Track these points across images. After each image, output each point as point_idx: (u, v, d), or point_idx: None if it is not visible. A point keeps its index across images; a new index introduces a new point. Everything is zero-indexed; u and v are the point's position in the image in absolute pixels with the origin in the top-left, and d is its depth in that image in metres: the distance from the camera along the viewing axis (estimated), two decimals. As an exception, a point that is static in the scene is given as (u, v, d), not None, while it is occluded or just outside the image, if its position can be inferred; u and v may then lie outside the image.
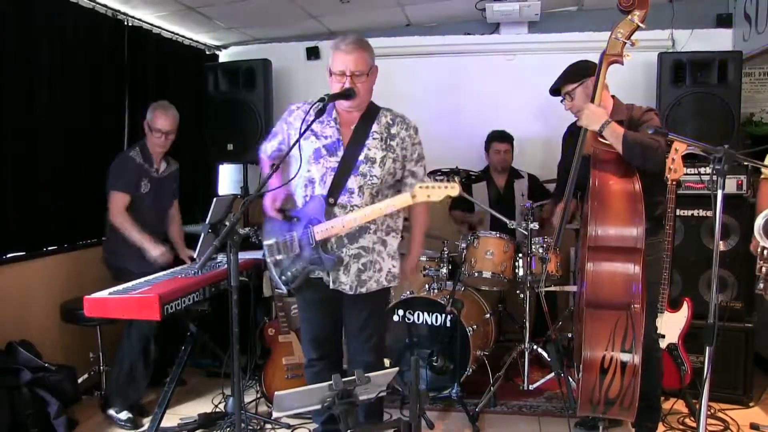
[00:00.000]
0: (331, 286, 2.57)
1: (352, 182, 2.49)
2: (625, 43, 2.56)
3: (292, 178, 2.57)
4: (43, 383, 3.05)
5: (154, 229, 3.59)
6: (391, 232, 2.62)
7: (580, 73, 2.82)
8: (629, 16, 2.54)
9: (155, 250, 3.41)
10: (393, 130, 2.56)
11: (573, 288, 3.24)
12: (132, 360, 3.35)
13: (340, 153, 2.52)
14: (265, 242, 2.63)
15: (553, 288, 3.84)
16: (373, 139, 2.53)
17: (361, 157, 2.50)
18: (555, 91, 2.92)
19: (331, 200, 2.49)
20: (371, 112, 2.58)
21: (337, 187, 2.49)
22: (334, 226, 2.45)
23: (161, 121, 3.59)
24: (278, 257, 2.61)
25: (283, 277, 2.63)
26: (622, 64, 2.60)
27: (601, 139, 2.64)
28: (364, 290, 2.56)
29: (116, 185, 3.46)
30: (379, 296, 2.64)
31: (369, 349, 2.66)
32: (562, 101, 2.90)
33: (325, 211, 2.48)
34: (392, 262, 2.63)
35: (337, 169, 2.50)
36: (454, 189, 2.21)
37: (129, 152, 3.58)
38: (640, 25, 2.53)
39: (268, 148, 2.72)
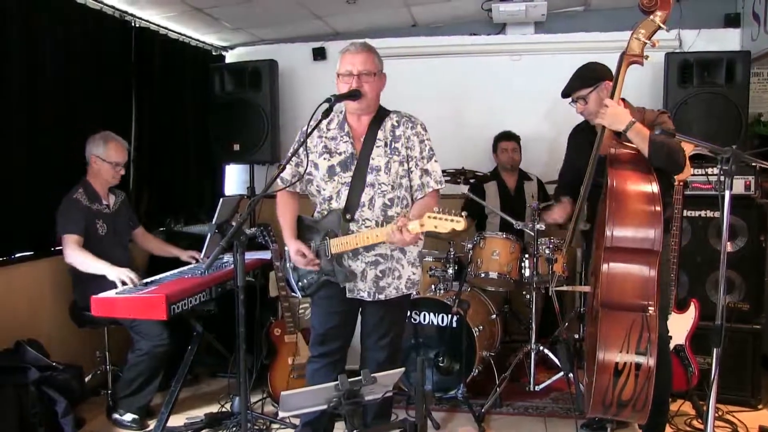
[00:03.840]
0: (348, 295, 2.59)
1: (365, 196, 2.52)
2: (646, 43, 2.54)
3: (295, 181, 2.61)
4: (51, 382, 3.05)
5: (127, 265, 3.29)
6: None
7: (594, 77, 2.80)
8: (651, 17, 2.52)
9: (116, 272, 3.14)
10: (398, 132, 2.57)
11: (586, 288, 3.23)
12: (142, 376, 3.32)
13: (353, 167, 2.54)
14: (287, 248, 2.68)
15: (564, 287, 3.83)
16: (377, 147, 2.55)
17: (368, 169, 2.52)
18: (567, 93, 2.90)
19: (348, 216, 2.52)
20: (379, 119, 2.59)
21: (352, 202, 2.52)
22: (348, 242, 2.48)
23: (117, 153, 3.43)
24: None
25: (300, 283, 2.69)
26: (642, 65, 2.58)
27: (620, 140, 2.63)
28: (382, 297, 2.58)
29: (66, 229, 3.26)
30: (398, 299, 2.64)
31: (382, 346, 2.67)
32: (570, 103, 2.88)
33: (341, 225, 2.51)
34: (412, 269, 2.63)
35: (351, 184, 2.52)
36: (459, 223, 2.24)
37: (73, 195, 3.34)
38: (662, 26, 2.51)
39: (286, 173, 2.62)
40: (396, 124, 2.58)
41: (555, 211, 3.10)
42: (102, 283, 3.11)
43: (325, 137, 2.60)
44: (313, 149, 2.60)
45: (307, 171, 2.60)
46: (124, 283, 3.10)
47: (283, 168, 2.46)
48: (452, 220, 2.24)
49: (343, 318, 2.66)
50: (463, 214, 2.27)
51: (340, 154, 2.57)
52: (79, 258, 3.25)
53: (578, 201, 2.74)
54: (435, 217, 2.26)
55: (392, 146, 2.55)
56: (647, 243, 2.47)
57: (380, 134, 2.56)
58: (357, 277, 2.55)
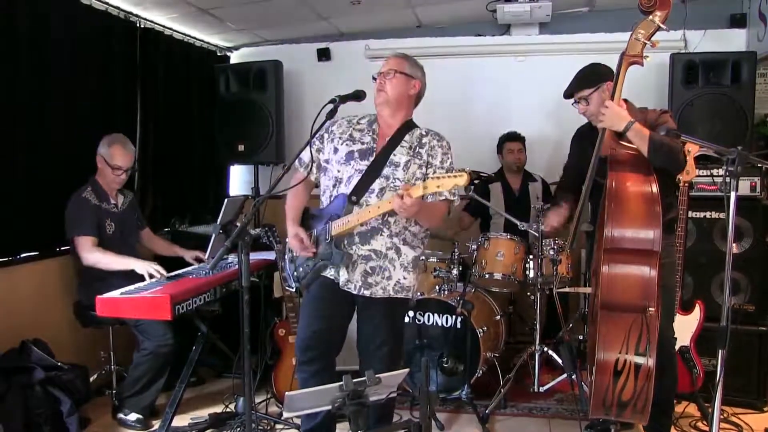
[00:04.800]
0: (341, 284, 2.57)
1: (376, 184, 2.54)
2: (646, 43, 2.53)
3: (305, 178, 2.65)
4: (56, 382, 3.07)
5: None
6: (407, 243, 2.61)
7: (596, 77, 2.79)
8: (650, 17, 2.51)
9: (144, 265, 3.27)
10: (424, 140, 2.62)
11: (588, 290, 3.23)
12: (147, 376, 3.33)
13: (371, 158, 2.57)
14: (287, 239, 2.71)
15: (567, 289, 3.82)
16: (401, 147, 2.59)
17: (387, 162, 2.56)
18: (569, 94, 2.90)
19: (354, 198, 2.53)
20: (407, 127, 2.65)
21: (361, 187, 2.54)
22: (350, 221, 2.49)
23: (121, 158, 3.43)
24: (295, 254, 2.70)
25: (295, 273, 2.70)
26: (642, 65, 2.57)
27: (621, 141, 2.62)
28: (368, 293, 2.56)
29: (79, 230, 3.31)
30: (393, 303, 2.62)
31: (380, 357, 2.61)
32: (573, 104, 2.88)
33: (345, 208, 2.53)
34: (404, 273, 2.60)
35: (365, 172, 2.55)
36: (462, 177, 2.20)
37: (82, 194, 3.37)
38: (661, 26, 2.49)
39: (305, 155, 2.66)
40: (424, 134, 2.65)
41: (551, 218, 3.13)
42: (107, 282, 3.13)
43: (354, 128, 2.67)
44: (339, 135, 2.66)
45: (324, 159, 2.67)
46: (152, 276, 3.18)
47: (288, 168, 2.50)
48: (454, 176, 2.22)
49: (331, 322, 2.61)
50: (466, 168, 2.24)
51: (362, 143, 2.62)
52: (102, 258, 3.30)
53: (579, 202, 2.74)
54: (437, 177, 2.26)
55: (416, 150, 2.60)
56: (647, 243, 2.47)
57: (407, 137, 2.62)
58: (352, 260, 2.54)
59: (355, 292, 2.58)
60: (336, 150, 2.64)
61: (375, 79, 2.65)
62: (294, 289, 2.76)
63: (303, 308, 2.69)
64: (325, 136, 2.68)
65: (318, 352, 2.60)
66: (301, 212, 2.71)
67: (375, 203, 2.47)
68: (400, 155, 2.57)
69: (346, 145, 2.63)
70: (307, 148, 2.57)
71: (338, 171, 2.61)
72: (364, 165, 2.57)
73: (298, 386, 2.73)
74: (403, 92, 2.63)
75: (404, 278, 2.61)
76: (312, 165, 2.67)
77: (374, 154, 2.59)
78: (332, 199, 2.61)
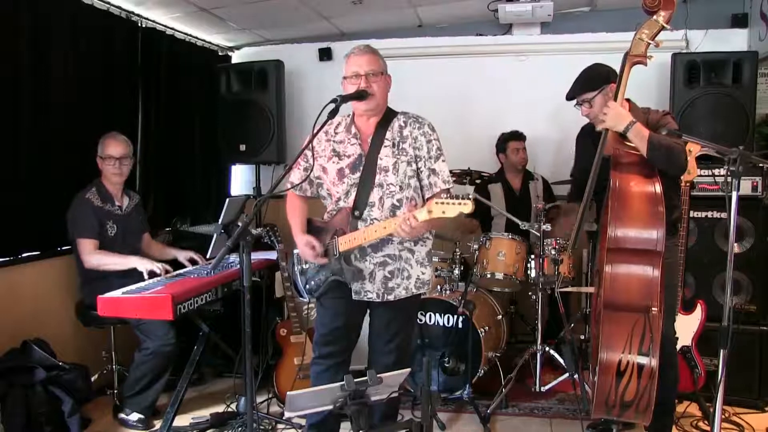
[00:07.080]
0: (355, 297, 2.57)
1: (374, 195, 2.52)
2: (649, 44, 2.53)
3: (301, 183, 2.63)
4: (57, 381, 3.07)
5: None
6: (419, 242, 2.61)
7: (599, 80, 2.78)
8: (654, 17, 2.51)
9: (145, 263, 3.30)
10: (405, 132, 2.57)
11: (590, 289, 3.22)
12: (148, 376, 3.32)
13: (362, 167, 2.54)
14: (295, 251, 2.70)
15: (569, 288, 3.82)
16: (385, 147, 2.55)
17: (377, 169, 2.53)
18: (571, 97, 2.89)
19: (357, 213, 2.52)
20: (386, 120, 2.60)
21: (360, 200, 2.52)
22: (356, 238, 2.48)
23: (112, 146, 3.44)
24: (305, 266, 2.69)
25: (308, 286, 2.69)
26: (646, 65, 2.56)
27: (624, 141, 2.62)
28: (391, 297, 2.57)
29: (81, 232, 3.33)
30: (407, 301, 2.63)
31: (390, 350, 2.64)
32: (575, 105, 2.87)
33: (349, 223, 2.52)
34: (421, 268, 2.61)
35: (359, 184, 2.53)
36: (467, 206, 2.20)
37: (85, 195, 3.39)
38: (665, 26, 2.49)
39: (294, 177, 2.66)
40: (403, 124, 2.59)
41: (566, 227, 3.11)
42: (109, 282, 3.13)
43: (333, 141, 2.61)
44: (322, 153, 2.62)
45: (315, 175, 2.63)
46: (152, 275, 3.19)
47: (289, 169, 2.48)
48: (459, 204, 2.20)
49: (349, 319, 2.65)
50: (470, 196, 2.24)
51: (348, 156, 2.57)
52: (103, 260, 3.31)
53: (582, 203, 2.73)
54: (442, 203, 2.23)
55: (400, 146, 2.55)
56: (649, 243, 2.46)
57: (388, 134, 2.56)
58: (365, 275, 2.54)
59: (378, 300, 2.57)
60: (325, 169, 2.61)
61: (345, 78, 2.55)
62: (307, 299, 2.76)
63: (321, 307, 2.70)
64: (308, 153, 2.59)
65: (338, 347, 2.65)
66: (306, 222, 2.68)
67: (380, 224, 2.42)
68: (386, 157, 2.53)
69: (333, 162, 2.59)
70: (297, 170, 2.62)
71: (336, 191, 2.58)
72: (356, 178, 2.54)
73: (310, 378, 2.74)
74: (387, 92, 2.60)
75: (423, 273, 2.62)
76: (303, 183, 2.64)
77: (363, 161, 2.55)
78: (335, 213, 2.60)
